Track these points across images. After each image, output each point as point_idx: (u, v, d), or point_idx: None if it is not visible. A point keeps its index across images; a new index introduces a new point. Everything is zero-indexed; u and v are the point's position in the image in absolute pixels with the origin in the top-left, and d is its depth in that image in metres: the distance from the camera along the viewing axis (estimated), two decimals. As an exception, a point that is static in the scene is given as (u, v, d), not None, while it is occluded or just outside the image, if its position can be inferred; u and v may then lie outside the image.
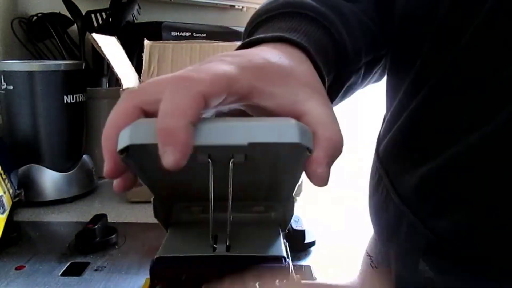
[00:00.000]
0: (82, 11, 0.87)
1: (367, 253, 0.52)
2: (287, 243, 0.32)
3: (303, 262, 0.49)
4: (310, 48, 0.31)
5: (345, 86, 0.38)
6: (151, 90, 0.25)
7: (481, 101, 0.32)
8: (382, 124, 0.48)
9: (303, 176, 0.28)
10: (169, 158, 0.22)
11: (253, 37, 0.32)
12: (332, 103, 0.38)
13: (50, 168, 0.67)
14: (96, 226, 0.51)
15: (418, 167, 0.37)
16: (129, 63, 0.77)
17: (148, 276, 0.31)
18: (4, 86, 0.64)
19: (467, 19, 0.31)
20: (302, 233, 0.52)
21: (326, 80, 0.33)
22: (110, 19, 0.88)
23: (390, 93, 0.46)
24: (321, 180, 0.26)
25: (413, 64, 0.39)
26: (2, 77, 0.64)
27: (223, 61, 0.27)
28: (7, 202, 0.54)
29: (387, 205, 0.43)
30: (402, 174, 0.40)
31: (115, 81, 0.87)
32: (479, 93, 0.32)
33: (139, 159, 0.26)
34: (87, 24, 0.87)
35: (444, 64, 0.34)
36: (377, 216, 0.47)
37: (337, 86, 0.37)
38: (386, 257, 0.49)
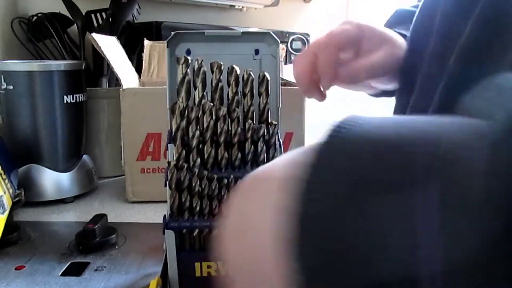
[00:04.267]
0: (82, 11, 0.87)
1: None
2: None
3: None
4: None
5: None
6: None
7: None
8: None
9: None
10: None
11: None
12: None
13: (50, 168, 0.67)
14: (96, 226, 0.51)
15: None
16: (129, 63, 0.77)
17: (155, 278, 0.30)
18: (4, 86, 0.64)
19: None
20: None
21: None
22: (110, 19, 0.88)
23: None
24: None
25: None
26: (2, 77, 0.64)
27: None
28: (7, 202, 0.54)
29: None
30: None
31: (115, 81, 0.87)
32: None
33: None
34: (87, 24, 0.87)
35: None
36: None
37: None
38: None
